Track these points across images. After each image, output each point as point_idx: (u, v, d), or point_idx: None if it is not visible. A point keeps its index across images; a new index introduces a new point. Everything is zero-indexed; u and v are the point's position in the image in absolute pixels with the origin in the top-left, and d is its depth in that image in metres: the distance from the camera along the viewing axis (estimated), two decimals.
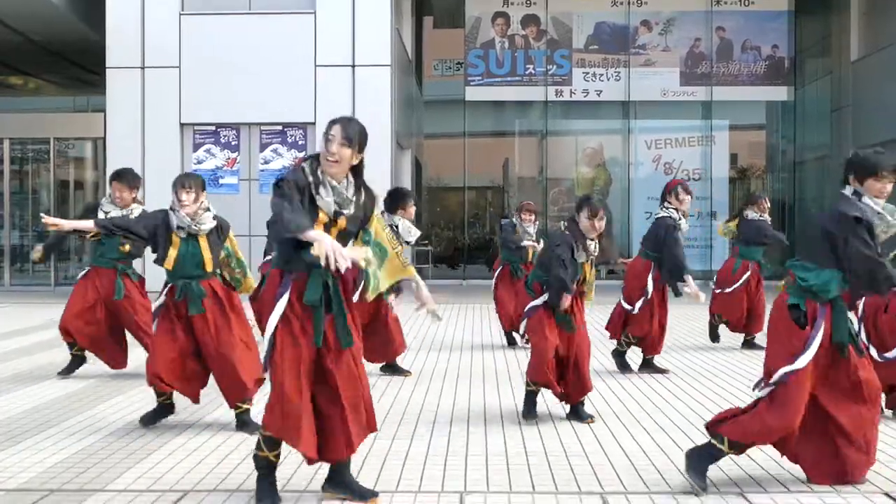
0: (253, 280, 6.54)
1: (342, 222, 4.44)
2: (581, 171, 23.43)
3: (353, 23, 16.18)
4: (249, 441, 5.83)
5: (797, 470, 5.03)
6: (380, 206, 4.52)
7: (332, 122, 4.45)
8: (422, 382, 7.96)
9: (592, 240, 6.39)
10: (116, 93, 16.23)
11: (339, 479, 4.59)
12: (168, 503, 4.56)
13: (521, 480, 4.96)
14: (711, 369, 8.67)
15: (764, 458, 5.45)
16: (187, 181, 6.04)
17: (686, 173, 22.18)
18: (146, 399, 7.18)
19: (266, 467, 4.55)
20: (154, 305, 6.24)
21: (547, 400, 7.22)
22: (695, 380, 8.22)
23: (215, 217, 6.19)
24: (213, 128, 16.39)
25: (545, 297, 6.39)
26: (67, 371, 8.19)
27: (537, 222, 10.72)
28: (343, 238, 4.44)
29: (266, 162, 16.18)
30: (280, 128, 16.24)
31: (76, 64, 20.85)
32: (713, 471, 5.16)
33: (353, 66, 16.12)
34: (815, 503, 4.58)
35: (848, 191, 4.79)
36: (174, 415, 6.41)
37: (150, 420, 6.23)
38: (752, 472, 5.14)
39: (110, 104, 16.33)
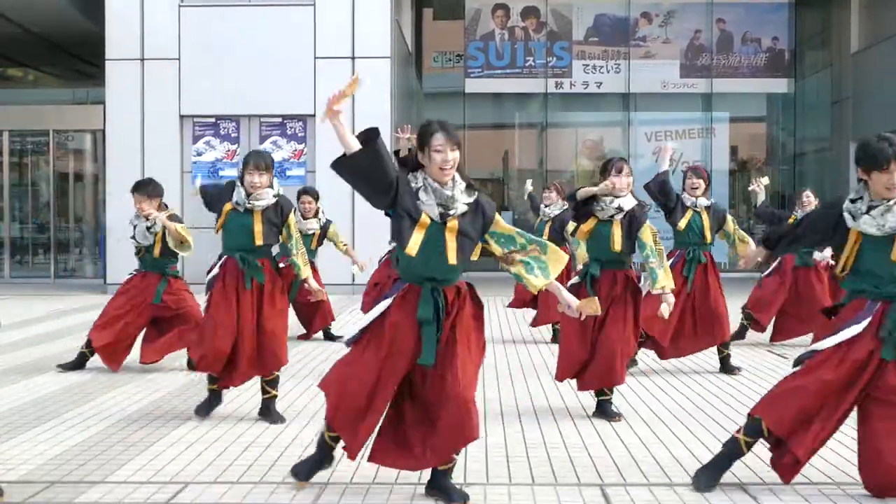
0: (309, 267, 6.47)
1: (453, 224, 4.32)
2: (581, 163, 23.42)
3: (352, 15, 16.15)
4: (249, 433, 5.84)
5: None
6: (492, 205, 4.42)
7: (430, 132, 4.30)
8: None
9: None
10: (116, 85, 16.20)
11: (435, 484, 4.51)
12: (168, 495, 4.57)
13: (520, 472, 4.97)
14: (714, 362, 8.66)
15: (764, 451, 5.45)
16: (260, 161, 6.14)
17: (686, 165, 22.13)
18: (145, 391, 7.19)
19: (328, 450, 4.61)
20: (208, 277, 6.19)
21: (546, 393, 7.23)
22: (695, 372, 8.22)
23: (276, 195, 6.19)
24: (213, 120, 16.38)
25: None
26: (69, 367, 8.18)
27: (557, 203, 10.17)
28: (464, 240, 4.33)
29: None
30: (280, 120, 16.22)
31: (75, 56, 20.81)
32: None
33: (353, 58, 16.09)
34: (815, 495, 4.58)
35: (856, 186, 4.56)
36: (173, 406, 6.41)
37: (206, 410, 6.24)
38: (751, 464, 5.15)
39: (109, 96, 16.30)
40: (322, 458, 4.65)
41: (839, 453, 5.34)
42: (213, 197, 6.28)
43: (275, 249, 6.37)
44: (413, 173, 4.38)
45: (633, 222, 6.20)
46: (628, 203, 6.22)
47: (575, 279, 6.38)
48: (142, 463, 5.14)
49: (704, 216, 8.06)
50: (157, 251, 7.94)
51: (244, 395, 6.92)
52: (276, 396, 6.23)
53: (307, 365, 8.51)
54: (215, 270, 6.13)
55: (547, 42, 22.31)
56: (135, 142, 16.09)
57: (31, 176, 19.58)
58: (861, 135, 20.04)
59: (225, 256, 6.15)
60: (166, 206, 7.97)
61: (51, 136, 18.75)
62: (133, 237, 7.94)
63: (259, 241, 6.09)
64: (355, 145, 4.23)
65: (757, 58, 22.18)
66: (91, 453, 5.35)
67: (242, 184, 6.12)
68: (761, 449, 5.46)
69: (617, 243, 6.18)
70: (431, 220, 4.30)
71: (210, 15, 16.25)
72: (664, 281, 6.19)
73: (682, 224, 8.01)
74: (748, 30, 22.19)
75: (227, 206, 6.11)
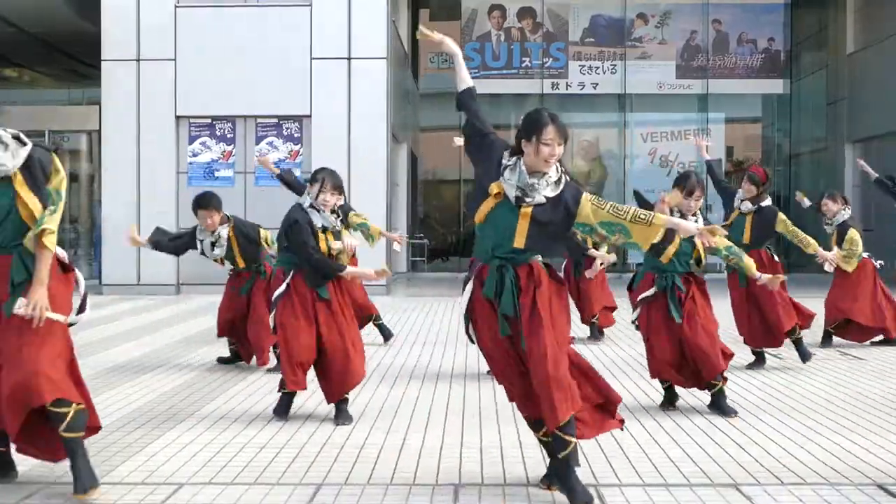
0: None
1: (527, 210, 4.38)
2: (577, 164, 23.43)
3: (349, 15, 16.14)
4: (244, 434, 5.83)
5: (791, 462, 5.04)
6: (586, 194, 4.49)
7: (542, 123, 4.36)
8: (416, 376, 7.96)
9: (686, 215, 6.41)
10: (112, 85, 16.19)
11: (558, 475, 4.50)
12: (163, 496, 4.56)
13: (515, 473, 4.97)
14: None
15: (759, 451, 5.46)
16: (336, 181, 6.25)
17: (682, 166, 22.19)
18: (140, 392, 7.18)
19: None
20: (275, 294, 6.24)
21: None
22: None
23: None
24: (209, 120, 16.36)
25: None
26: (226, 361, 8.43)
27: None
28: (538, 228, 4.41)
29: (262, 154, 16.16)
30: (276, 120, 16.21)
31: (71, 56, 20.79)
32: (707, 463, 5.18)
33: (349, 58, 16.09)
34: (809, 495, 4.59)
35: None
36: (168, 407, 6.40)
37: (283, 412, 6.26)
38: (746, 464, 5.16)
39: (105, 97, 16.29)
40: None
41: (833, 453, 5.35)
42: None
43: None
44: (507, 152, 4.48)
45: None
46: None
47: (650, 291, 6.58)
48: (137, 464, 5.14)
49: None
50: (240, 262, 8.04)
51: (238, 397, 6.91)
52: (346, 399, 6.27)
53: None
54: (283, 288, 6.18)
55: (543, 43, 22.33)
56: (131, 142, 16.07)
57: None
58: (855, 136, 20.12)
59: (293, 271, 6.22)
60: (228, 218, 7.99)
61: (47, 136, 18.71)
62: (203, 253, 8.01)
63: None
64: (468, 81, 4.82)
65: (753, 59, 22.21)
66: None
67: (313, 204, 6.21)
68: (756, 448, 5.47)
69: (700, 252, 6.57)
70: (505, 197, 4.39)
71: (206, 15, 16.24)
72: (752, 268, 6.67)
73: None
74: (744, 31, 22.22)
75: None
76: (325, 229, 6.21)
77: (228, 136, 16.35)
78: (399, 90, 18.72)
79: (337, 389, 6.17)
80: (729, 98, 22.46)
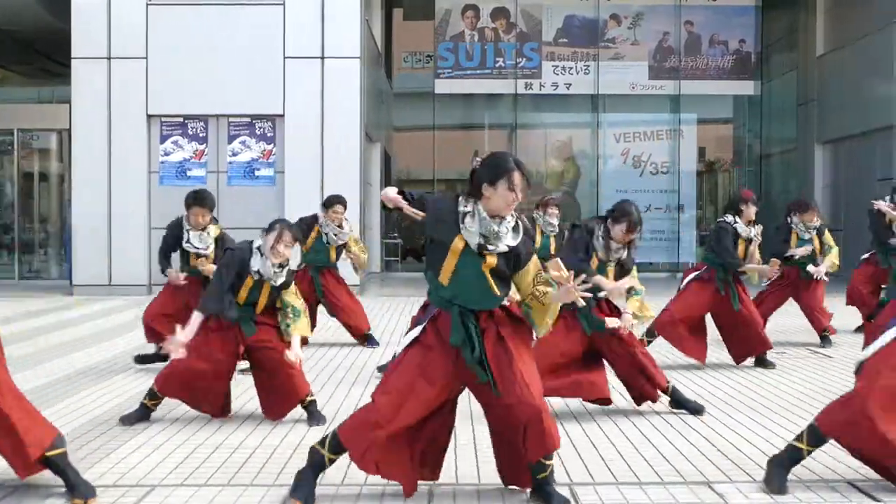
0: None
1: (491, 260, 4.25)
2: (550, 163, 23.50)
3: (322, 15, 16.09)
4: (216, 436, 5.80)
5: (763, 460, 5.07)
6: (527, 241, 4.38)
7: (509, 169, 4.23)
8: None
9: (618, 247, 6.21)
10: (82, 84, 16.03)
11: (539, 491, 4.47)
12: (135, 498, 4.53)
13: (491, 473, 4.97)
14: (682, 361, 8.71)
15: (731, 449, 5.50)
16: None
17: (654, 167, 22.31)
18: (109, 395, 7.12)
19: (319, 465, 4.45)
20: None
21: None
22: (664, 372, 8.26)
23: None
24: (181, 119, 16.25)
25: None
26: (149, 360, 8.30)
27: (559, 215, 11.34)
28: (496, 277, 4.29)
29: (234, 154, 16.06)
30: (248, 120, 16.12)
31: (41, 54, 20.57)
32: (680, 461, 5.21)
33: (323, 58, 16.03)
34: (785, 496, 4.62)
35: None
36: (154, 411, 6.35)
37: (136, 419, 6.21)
38: (718, 462, 5.19)
39: (76, 95, 16.13)
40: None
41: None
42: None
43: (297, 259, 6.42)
44: (462, 198, 4.33)
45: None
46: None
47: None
48: (108, 466, 5.10)
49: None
50: (207, 268, 7.57)
51: None
52: (314, 402, 6.25)
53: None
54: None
55: (517, 43, 22.36)
56: (101, 141, 15.93)
57: None
58: (825, 137, 20.32)
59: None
60: (216, 221, 7.94)
61: (15, 135, 18.52)
62: (189, 242, 7.78)
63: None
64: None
65: (724, 60, 22.36)
66: None
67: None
68: (728, 446, 5.50)
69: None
70: (467, 246, 4.26)
71: (178, 14, 16.13)
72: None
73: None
74: (715, 32, 22.36)
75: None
76: (260, 277, 5.95)
77: (201, 135, 16.25)
78: (373, 90, 18.69)
79: (278, 408, 6.15)
80: (701, 99, 22.59)
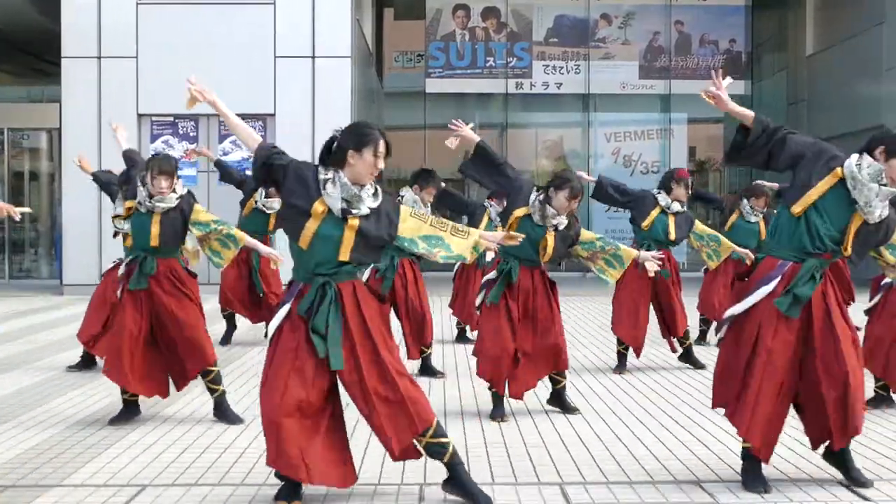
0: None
1: (354, 222, 4.35)
2: (541, 163, 23.51)
3: (312, 14, 16.07)
4: (207, 435, 5.79)
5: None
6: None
7: (374, 137, 4.40)
8: None
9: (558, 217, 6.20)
10: (72, 83, 15.99)
11: (452, 481, 4.50)
12: (126, 498, 4.52)
13: (481, 471, 4.98)
14: (672, 359, 8.73)
15: (722, 449, 5.51)
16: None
17: (645, 166, 22.35)
18: (101, 394, 7.11)
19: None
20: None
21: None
22: (652, 370, 8.29)
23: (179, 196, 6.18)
24: (172, 119, 16.22)
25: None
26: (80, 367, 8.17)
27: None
28: (363, 239, 4.37)
29: (225, 153, 16.03)
30: (240, 119, 16.10)
31: (31, 53, 20.49)
32: (670, 461, 5.22)
33: (313, 57, 16.01)
34: (771, 493, 4.64)
35: (864, 160, 4.56)
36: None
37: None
38: (708, 462, 5.20)
39: (66, 94, 16.08)
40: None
41: (796, 451, 5.41)
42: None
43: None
44: (321, 167, 4.43)
45: None
46: None
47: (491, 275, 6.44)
48: (99, 466, 5.09)
49: (671, 219, 8.27)
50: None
51: (201, 398, 6.86)
52: (224, 392, 6.20)
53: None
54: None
55: (507, 43, 22.38)
56: (92, 141, 15.87)
57: None
58: (816, 136, 20.36)
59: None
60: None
61: (5, 134, 18.45)
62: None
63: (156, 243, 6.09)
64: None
65: (714, 60, 22.40)
66: (46, 456, 5.28)
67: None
68: (719, 446, 5.52)
69: None
70: (329, 212, 4.34)
71: (168, 13, 16.09)
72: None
73: (647, 223, 8.23)
74: (706, 32, 22.41)
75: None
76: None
77: (191, 134, 16.22)
78: (364, 89, 18.68)
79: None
80: (691, 98, 22.57)
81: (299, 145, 15.76)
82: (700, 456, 5.32)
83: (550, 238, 6.18)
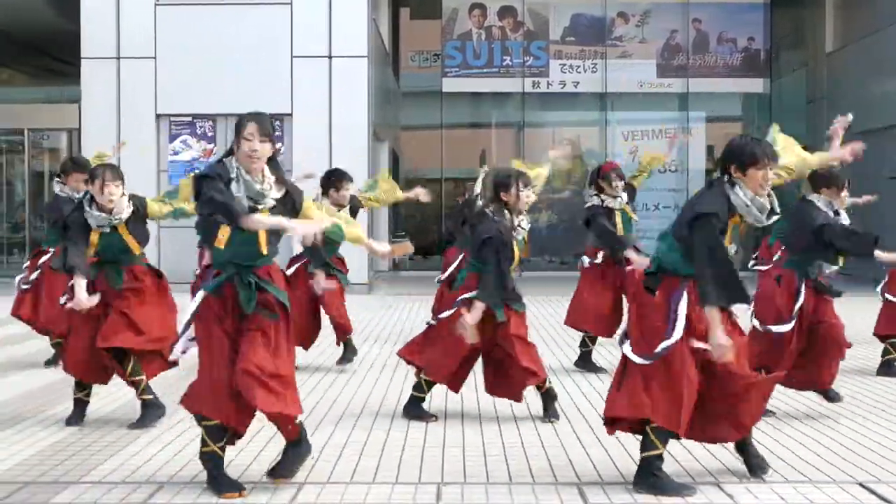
0: None
1: (264, 213, 4.51)
2: (557, 162, 23.44)
3: (329, 14, 16.11)
4: None
5: (773, 460, 5.06)
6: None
7: (246, 120, 4.57)
8: (398, 375, 7.94)
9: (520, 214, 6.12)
10: (91, 83, 16.09)
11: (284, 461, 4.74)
12: (144, 495, 4.54)
13: (498, 472, 4.97)
14: None
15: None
16: None
17: (662, 165, 22.25)
18: (122, 391, 7.13)
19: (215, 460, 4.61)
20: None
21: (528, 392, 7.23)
22: None
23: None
24: (190, 119, 16.29)
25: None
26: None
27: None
28: (269, 233, 4.55)
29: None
30: None
31: (50, 54, 20.63)
32: (689, 461, 5.20)
33: (330, 57, 16.05)
34: (791, 493, 4.61)
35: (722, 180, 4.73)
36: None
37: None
38: (727, 462, 5.18)
39: (85, 95, 16.18)
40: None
41: (815, 451, 5.37)
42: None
43: None
44: (228, 159, 4.58)
45: None
46: None
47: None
48: (118, 463, 5.11)
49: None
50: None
51: None
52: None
53: None
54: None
55: (524, 42, 22.35)
56: (111, 141, 15.85)
57: (6, 175, 19.39)
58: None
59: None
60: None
61: (26, 134, 18.59)
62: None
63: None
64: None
65: (733, 58, 22.31)
66: (66, 453, 5.31)
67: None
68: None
69: None
70: None
71: (186, 13, 16.17)
72: None
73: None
74: (724, 30, 22.31)
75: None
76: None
77: (209, 134, 16.29)
78: (380, 88, 18.70)
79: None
80: (709, 97, 22.54)
81: (316, 145, 15.81)
82: (719, 456, 5.29)
83: (515, 245, 6.05)
